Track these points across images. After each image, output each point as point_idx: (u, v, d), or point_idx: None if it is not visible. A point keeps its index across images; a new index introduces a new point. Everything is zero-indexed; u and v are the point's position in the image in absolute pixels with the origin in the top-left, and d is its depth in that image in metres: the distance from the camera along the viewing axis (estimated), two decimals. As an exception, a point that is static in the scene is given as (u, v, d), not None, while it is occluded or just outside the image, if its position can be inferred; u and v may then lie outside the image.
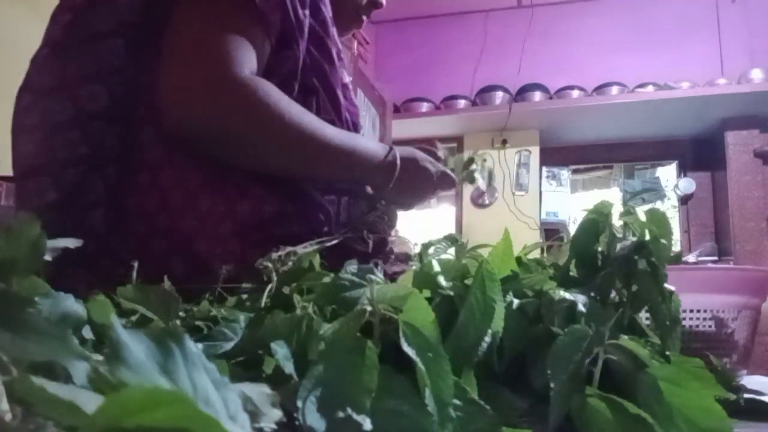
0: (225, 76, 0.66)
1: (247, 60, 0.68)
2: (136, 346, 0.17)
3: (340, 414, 0.26)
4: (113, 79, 0.69)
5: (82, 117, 0.68)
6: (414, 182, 0.83)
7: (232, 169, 0.71)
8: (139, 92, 0.69)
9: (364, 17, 0.99)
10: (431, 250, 0.51)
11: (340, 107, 0.81)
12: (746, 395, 0.50)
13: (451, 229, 3.36)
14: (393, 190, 0.80)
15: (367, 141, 0.80)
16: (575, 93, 3.13)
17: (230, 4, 0.69)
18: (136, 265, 0.45)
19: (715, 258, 3.00)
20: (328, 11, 0.82)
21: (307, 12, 0.76)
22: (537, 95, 3.18)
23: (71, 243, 0.30)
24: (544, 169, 3.35)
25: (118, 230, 0.68)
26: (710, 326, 0.63)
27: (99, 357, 0.20)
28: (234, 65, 0.66)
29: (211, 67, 0.66)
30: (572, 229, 0.52)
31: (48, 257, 0.27)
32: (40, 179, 0.68)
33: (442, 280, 0.41)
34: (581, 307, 0.43)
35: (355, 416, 0.26)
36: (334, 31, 0.85)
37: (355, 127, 0.86)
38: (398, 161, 0.80)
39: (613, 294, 0.49)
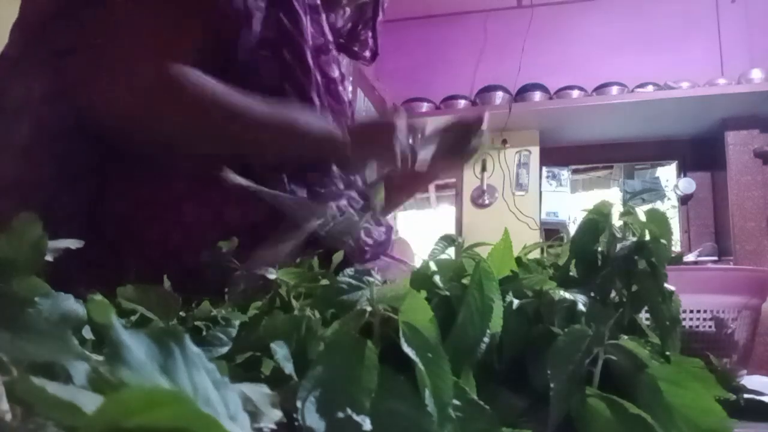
0: (147, 64, 0.65)
1: (170, 49, 0.67)
2: (136, 346, 0.17)
3: (340, 414, 0.26)
4: (79, 95, 0.68)
5: (45, 137, 0.67)
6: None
7: (215, 174, 0.70)
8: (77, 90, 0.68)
9: None
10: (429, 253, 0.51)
11: (315, 107, 0.79)
12: (746, 395, 0.50)
13: (451, 229, 3.36)
14: (352, 162, 0.78)
15: (309, 115, 0.77)
16: (575, 93, 3.13)
17: None
18: (131, 271, 0.45)
19: (715, 258, 3.00)
20: (301, 2, 0.78)
21: (263, 3, 0.74)
22: (537, 95, 3.17)
23: (72, 244, 0.30)
24: (544, 169, 3.35)
25: (106, 241, 0.68)
26: (710, 326, 0.63)
27: (99, 357, 0.20)
28: (152, 55, 0.66)
29: (124, 59, 0.66)
30: (572, 229, 0.52)
31: (49, 258, 0.27)
32: (8, 202, 0.66)
33: (438, 280, 0.41)
34: (581, 307, 0.43)
35: (354, 416, 0.26)
36: (322, 19, 0.82)
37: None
38: (346, 133, 0.77)
39: (613, 294, 0.49)
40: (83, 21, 0.69)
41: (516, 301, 0.42)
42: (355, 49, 0.98)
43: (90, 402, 0.16)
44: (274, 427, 0.24)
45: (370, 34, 0.98)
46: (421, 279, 0.41)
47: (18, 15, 0.74)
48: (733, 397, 0.38)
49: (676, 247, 3.08)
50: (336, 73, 0.84)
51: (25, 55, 0.70)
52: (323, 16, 0.83)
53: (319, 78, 0.79)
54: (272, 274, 0.47)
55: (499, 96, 3.24)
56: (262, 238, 0.55)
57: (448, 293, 0.40)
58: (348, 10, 0.96)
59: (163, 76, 0.66)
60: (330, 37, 0.84)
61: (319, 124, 0.76)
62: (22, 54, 0.71)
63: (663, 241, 0.47)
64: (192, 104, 0.68)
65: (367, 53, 1.00)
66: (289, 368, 0.30)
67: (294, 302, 0.41)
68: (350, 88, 2.66)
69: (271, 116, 0.72)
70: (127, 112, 0.67)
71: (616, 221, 0.51)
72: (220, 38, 0.71)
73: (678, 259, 0.73)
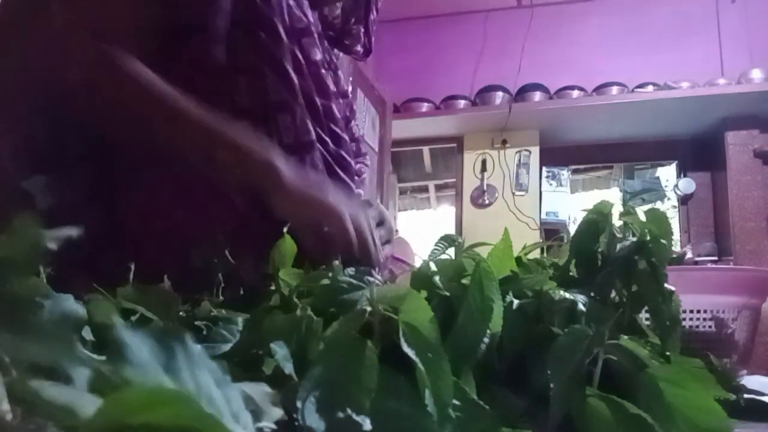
0: (79, 39, 0.64)
1: (112, 29, 0.66)
2: (138, 344, 0.17)
3: (340, 414, 0.26)
4: (52, 86, 0.67)
5: (21, 126, 0.67)
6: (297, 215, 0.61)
7: (200, 173, 0.70)
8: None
9: None
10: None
11: (294, 87, 0.75)
12: (746, 395, 0.50)
13: (451, 229, 3.36)
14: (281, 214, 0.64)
15: (245, 132, 0.67)
16: (575, 93, 3.13)
17: None
18: (132, 266, 0.45)
19: (715, 258, 3.00)
20: None
21: None
22: (537, 95, 3.18)
23: (74, 232, 0.30)
24: (544, 169, 3.35)
25: (106, 235, 0.68)
26: (710, 326, 0.63)
27: (101, 358, 0.20)
28: (90, 32, 0.65)
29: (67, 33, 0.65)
30: (572, 229, 0.52)
31: (53, 246, 0.27)
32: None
33: (437, 280, 0.41)
34: (581, 307, 0.43)
35: (354, 416, 0.26)
36: (303, 2, 0.81)
37: (327, 112, 0.80)
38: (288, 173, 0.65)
39: (613, 294, 0.49)
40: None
41: (516, 301, 0.42)
42: (347, 42, 0.98)
43: (89, 404, 0.16)
44: (274, 426, 0.24)
45: (362, 29, 0.98)
46: (421, 279, 0.41)
47: None
48: (733, 397, 0.38)
49: (676, 247, 3.08)
50: (318, 57, 0.82)
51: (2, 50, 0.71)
52: (305, 2, 0.82)
53: (301, 58, 0.78)
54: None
55: (499, 96, 3.24)
56: (256, 234, 0.54)
57: (448, 293, 0.40)
58: (339, 4, 0.96)
59: (99, 52, 0.65)
60: (312, 19, 0.83)
61: (253, 145, 0.66)
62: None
63: (663, 241, 0.48)
64: (125, 84, 0.66)
65: (359, 48, 0.99)
66: (289, 368, 0.30)
67: (296, 301, 0.41)
68: (350, 89, 2.66)
69: (201, 116, 0.66)
70: (66, 85, 0.65)
71: (616, 221, 0.51)
72: (190, 17, 0.70)
73: (678, 259, 0.73)
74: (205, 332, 0.38)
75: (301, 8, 0.81)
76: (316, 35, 0.82)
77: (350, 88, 2.65)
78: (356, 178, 0.86)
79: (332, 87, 0.84)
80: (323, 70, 0.82)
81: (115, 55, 0.65)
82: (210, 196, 0.70)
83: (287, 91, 0.75)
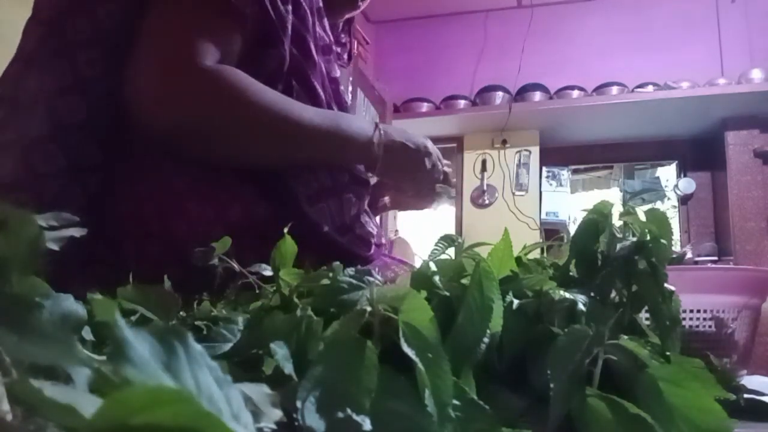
0: (189, 67, 0.66)
1: (212, 51, 0.68)
2: (139, 343, 0.17)
3: (340, 414, 0.26)
4: (92, 88, 0.68)
5: (59, 130, 0.67)
6: (402, 163, 0.82)
7: (221, 173, 0.71)
8: (121, 100, 0.68)
9: (360, 1, 0.98)
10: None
11: (321, 104, 0.80)
12: (746, 395, 0.50)
13: (451, 229, 3.36)
14: (382, 169, 0.80)
15: (352, 119, 0.79)
16: (575, 93, 3.13)
17: None
18: (132, 268, 0.45)
19: (715, 258, 3.00)
20: (308, 2, 0.81)
21: (290, 8, 0.75)
22: (537, 95, 3.18)
23: (76, 232, 0.30)
24: (544, 169, 3.35)
25: (108, 237, 0.67)
26: (710, 326, 0.63)
27: (101, 358, 0.20)
28: (198, 56, 0.66)
29: (173, 59, 0.67)
30: (572, 229, 0.52)
31: (54, 247, 0.27)
32: (19, 195, 0.66)
33: (437, 280, 0.41)
34: (581, 307, 0.43)
35: (354, 416, 0.26)
36: (325, 22, 0.84)
37: None
38: (382, 139, 0.78)
39: (613, 294, 0.49)
40: (100, 15, 0.69)
41: (516, 301, 0.42)
42: (338, 51, 1.01)
43: (89, 404, 0.16)
44: (274, 426, 0.24)
45: (348, 37, 1.02)
46: (421, 279, 0.41)
47: (33, 10, 0.74)
48: (733, 397, 0.38)
49: (676, 247, 3.08)
50: (337, 74, 0.85)
51: (40, 49, 0.71)
52: (325, 20, 0.84)
53: (325, 74, 0.80)
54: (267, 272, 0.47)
55: (499, 96, 3.24)
56: (263, 237, 0.55)
57: (448, 293, 0.40)
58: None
59: (202, 72, 0.66)
60: (332, 39, 0.85)
61: (359, 129, 0.77)
62: (36, 48, 0.71)
63: (663, 241, 0.48)
64: (238, 104, 0.68)
65: (346, 56, 1.03)
66: (288, 368, 0.30)
67: (296, 301, 0.41)
68: (351, 89, 2.66)
69: (319, 119, 0.73)
70: (166, 105, 0.66)
71: (616, 221, 0.51)
72: (258, 45, 0.72)
73: (678, 259, 0.73)
74: (205, 332, 0.38)
75: (324, 28, 0.83)
76: (335, 54, 0.85)
77: (350, 89, 2.66)
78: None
79: (348, 103, 0.87)
80: (342, 87, 0.85)
81: (224, 76, 0.68)
82: (230, 198, 0.70)
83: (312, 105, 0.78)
